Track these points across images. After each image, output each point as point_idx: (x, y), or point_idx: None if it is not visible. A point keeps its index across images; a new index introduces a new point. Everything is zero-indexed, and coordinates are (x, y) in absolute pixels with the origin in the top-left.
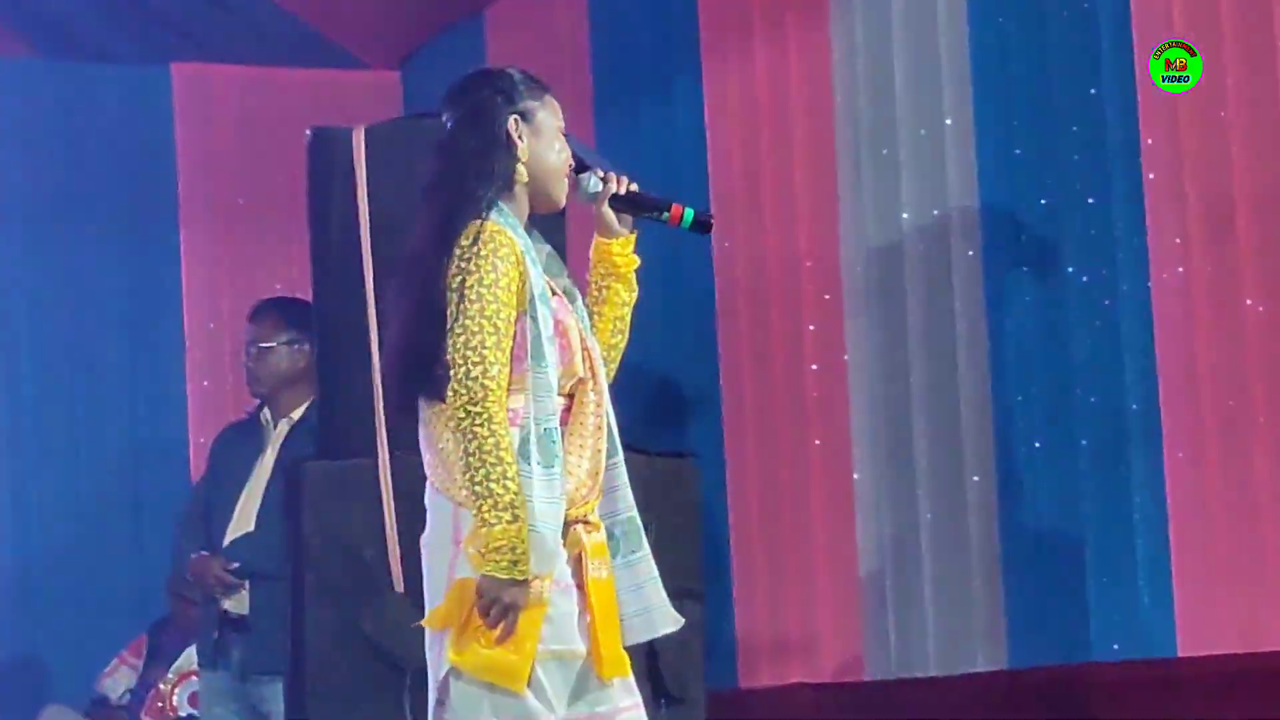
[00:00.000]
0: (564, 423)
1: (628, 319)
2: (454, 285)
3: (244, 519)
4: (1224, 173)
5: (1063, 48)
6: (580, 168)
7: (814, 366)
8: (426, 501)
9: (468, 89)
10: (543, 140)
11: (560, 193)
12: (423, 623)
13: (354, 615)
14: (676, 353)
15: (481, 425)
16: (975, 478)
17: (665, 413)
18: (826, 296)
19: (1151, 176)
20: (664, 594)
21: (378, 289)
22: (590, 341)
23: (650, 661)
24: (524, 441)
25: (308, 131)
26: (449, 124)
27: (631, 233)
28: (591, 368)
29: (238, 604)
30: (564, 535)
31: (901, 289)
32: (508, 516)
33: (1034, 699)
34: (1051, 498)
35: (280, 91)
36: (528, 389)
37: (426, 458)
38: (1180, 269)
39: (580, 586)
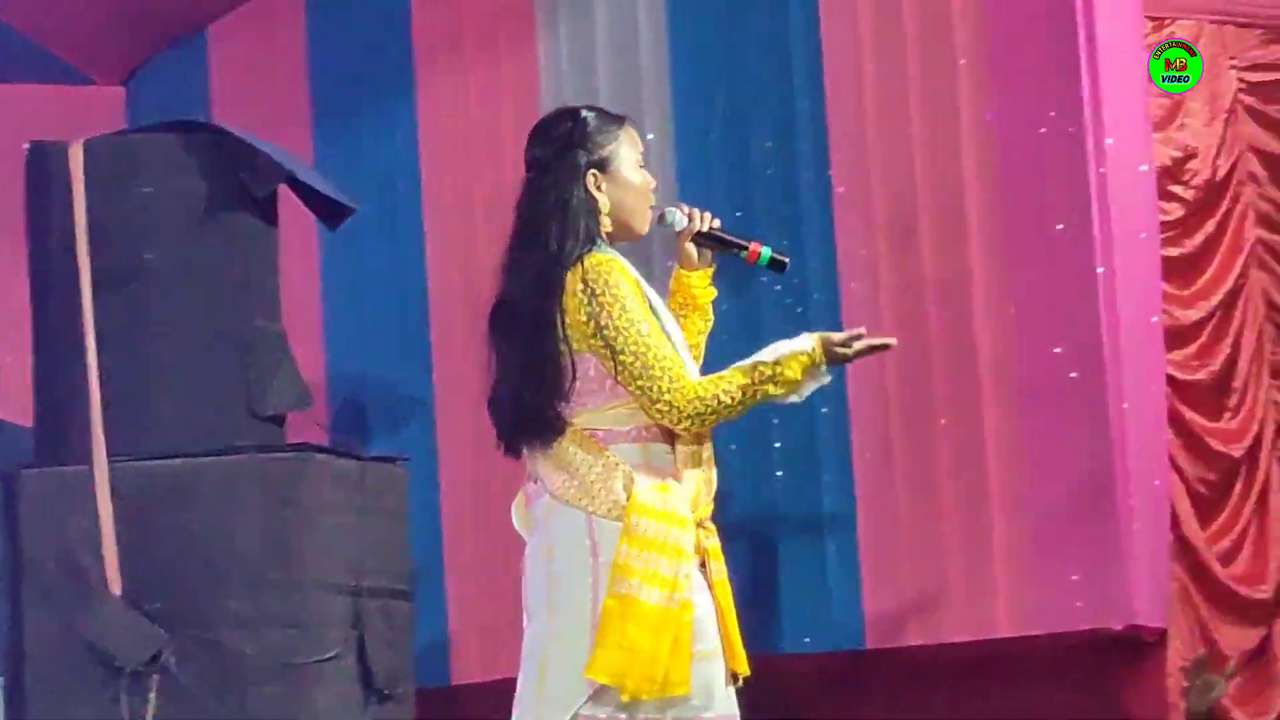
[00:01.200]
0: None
1: (702, 347)
2: (591, 330)
3: None
4: (908, 188)
5: (758, 67)
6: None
7: None
8: (546, 519)
9: (544, 140)
10: (619, 183)
11: (642, 225)
12: (591, 676)
13: (72, 619)
14: (391, 361)
15: (713, 412)
16: None
17: (380, 419)
18: None
19: (840, 190)
20: None
21: (95, 300)
22: None
23: (361, 659)
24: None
25: (25, 146)
26: (529, 175)
27: (710, 266)
28: None
29: None
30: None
31: None
32: (780, 387)
33: None
34: (747, 498)
35: (5, 106)
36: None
37: (554, 479)
38: (868, 278)
39: (708, 587)
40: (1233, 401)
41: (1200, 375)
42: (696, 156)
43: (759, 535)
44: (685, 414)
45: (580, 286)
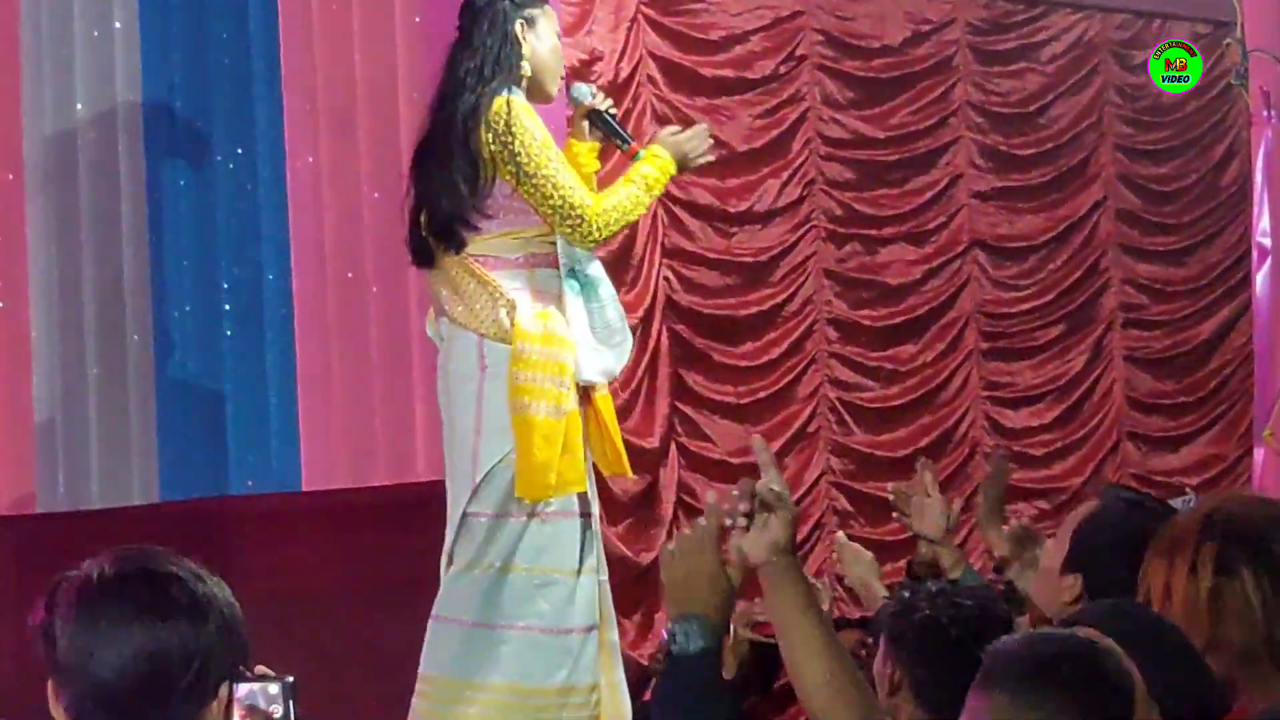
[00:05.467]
0: None
1: None
2: (505, 157)
3: None
4: (348, 77)
5: None
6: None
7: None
8: (448, 338)
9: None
10: (543, 42)
11: (552, 87)
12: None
13: None
14: None
15: (616, 221)
16: (135, 337)
17: None
18: (10, 177)
19: (287, 77)
20: None
21: None
22: None
23: None
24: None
25: None
26: (464, 27)
27: (598, 143)
28: None
29: None
30: None
31: (75, 173)
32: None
33: (181, 527)
34: (200, 355)
35: None
36: None
37: (450, 303)
38: (310, 159)
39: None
40: None
41: None
42: (160, 45)
43: (209, 387)
44: (596, 225)
45: (496, 118)
